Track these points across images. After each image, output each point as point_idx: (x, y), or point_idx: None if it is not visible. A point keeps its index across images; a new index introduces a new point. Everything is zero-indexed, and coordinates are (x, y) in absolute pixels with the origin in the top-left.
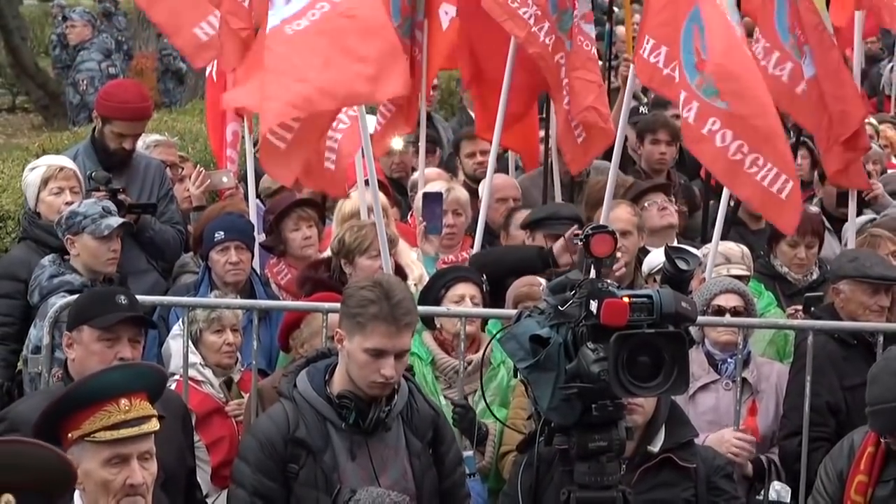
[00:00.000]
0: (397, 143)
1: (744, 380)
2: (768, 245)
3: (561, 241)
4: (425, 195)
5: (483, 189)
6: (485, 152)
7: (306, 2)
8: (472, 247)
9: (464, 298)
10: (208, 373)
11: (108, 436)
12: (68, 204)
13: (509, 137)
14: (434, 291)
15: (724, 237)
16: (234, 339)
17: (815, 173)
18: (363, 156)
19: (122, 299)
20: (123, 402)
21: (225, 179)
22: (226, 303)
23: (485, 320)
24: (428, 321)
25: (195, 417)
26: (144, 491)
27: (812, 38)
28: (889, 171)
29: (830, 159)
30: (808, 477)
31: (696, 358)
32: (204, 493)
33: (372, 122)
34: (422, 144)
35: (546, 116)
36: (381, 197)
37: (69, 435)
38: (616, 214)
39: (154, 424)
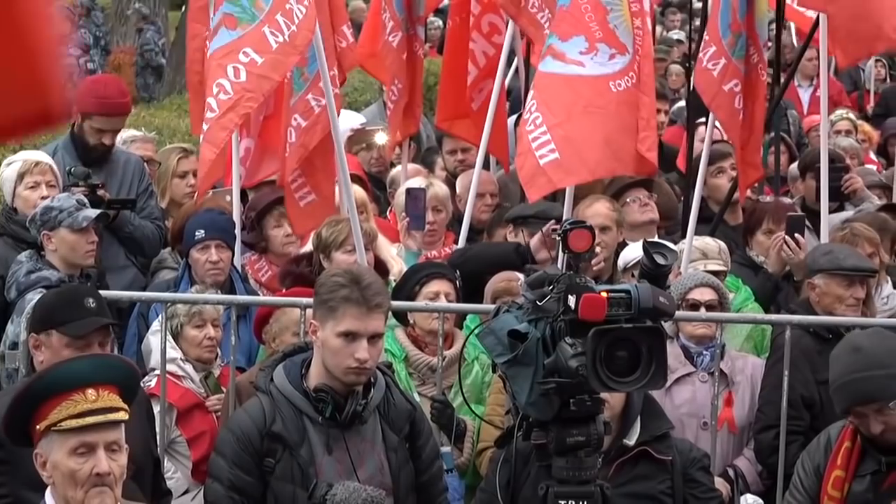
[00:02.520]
0: (381, 137)
1: (720, 372)
2: (743, 237)
3: (538, 237)
4: (408, 191)
5: (459, 184)
6: (466, 150)
7: None
8: (455, 242)
9: (438, 295)
10: (189, 368)
11: (74, 424)
12: (44, 198)
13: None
14: (408, 288)
15: (712, 235)
16: (214, 333)
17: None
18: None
19: (91, 302)
20: (90, 391)
21: (228, 198)
22: (203, 298)
23: (461, 316)
24: (401, 318)
25: (176, 412)
26: (112, 482)
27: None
28: (865, 166)
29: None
30: (783, 470)
31: (672, 351)
32: (185, 488)
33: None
34: (405, 140)
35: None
36: (359, 192)
37: (38, 427)
38: (595, 210)
39: (122, 416)
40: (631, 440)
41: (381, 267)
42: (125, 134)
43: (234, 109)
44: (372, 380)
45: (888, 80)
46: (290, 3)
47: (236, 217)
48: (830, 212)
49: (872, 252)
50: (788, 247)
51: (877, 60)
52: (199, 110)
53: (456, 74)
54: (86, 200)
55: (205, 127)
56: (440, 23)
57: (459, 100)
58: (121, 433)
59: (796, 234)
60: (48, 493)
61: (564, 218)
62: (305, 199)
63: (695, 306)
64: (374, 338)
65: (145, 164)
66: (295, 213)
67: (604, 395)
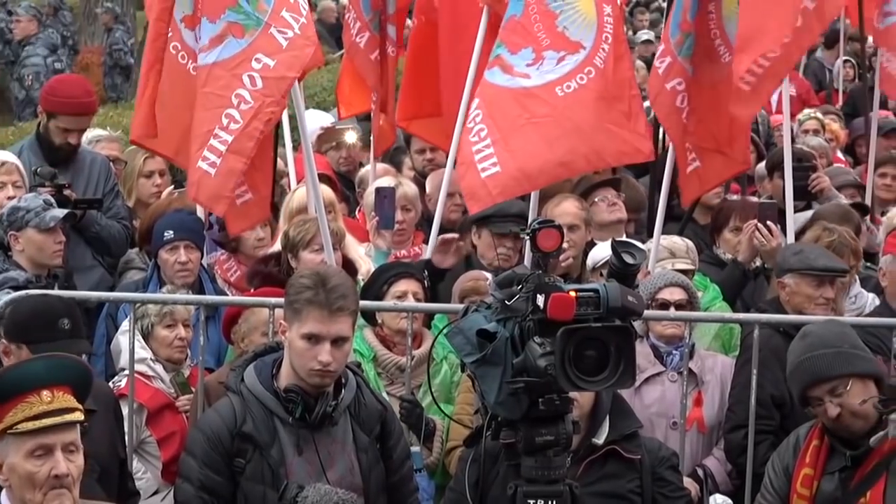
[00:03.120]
0: (351, 136)
1: (689, 371)
2: (710, 235)
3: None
4: (377, 190)
5: (430, 183)
6: (434, 149)
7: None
8: (424, 242)
9: (406, 294)
10: (159, 368)
11: (31, 426)
12: (11, 199)
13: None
14: (376, 287)
15: (680, 234)
16: (185, 334)
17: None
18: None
19: (66, 323)
20: (45, 393)
21: None
22: (172, 298)
23: (429, 316)
24: (370, 318)
25: (146, 412)
26: (70, 483)
27: (701, 44)
28: (835, 165)
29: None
30: (752, 470)
31: (642, 350)
32: (155, 488)
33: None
34: (374, 139)
35: None
36: (328, 191)
37: None
38: (564, 209)
39: (77, 416)
40: (600, 439)
41: (349, 266)
42: (91, 133)
43: (257, 117)
44: (343, 380)
45: (856, 79)
46: None
47: (202, 215)
48: (798, 210)
49: (853, 265)
50: (761, 234)
51: (846, 61)
52: (146, 114)
53: (420, 74)
54: (53, 200)
55: (226, 137)
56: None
57: (424, 99)
58: (77, 434)
59: (769, 222)
60: (4, 496)
61: (530, 216)
62: (242, 197)
63: (664, 306)
64: (338, 341)
65: (111, 163)
66: (230, 211)
67: (573, 394)
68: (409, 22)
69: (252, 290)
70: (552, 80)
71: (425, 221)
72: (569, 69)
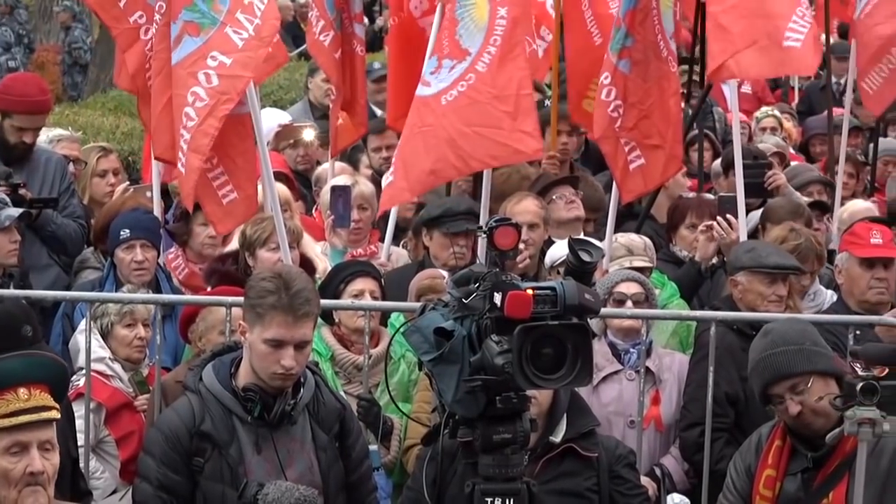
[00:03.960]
0: (308, 134)
1: (647, 370)
2: (667, 232)
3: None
4: (333, 188)
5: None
6: (391, 147)
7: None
8: (380, 240)
9: (363, 293)
10: (118, 367)
11: (7, 423)
12: None
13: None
14: (333, 286)
15: (638, 231)
16: (145, 333)
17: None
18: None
19: (28, 330)
20: (22, 391)
21: (148, 194)
22: (129, 297)
23: (386, 315)
24: (326, 316)
25: (105, 412)
26: (45, 481)
27: (639, 45)
28: (792, 164)
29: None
30: (709, 467)
31: (600, 349)
32: (113, 488)
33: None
34: (332, 137)
35: None
36: (284, 190)
37: None
38: (524, 206)
39: (54, 414)
40: (557, 437)
41: (307, 265)
42: (52, 133)
43: (212, 114)
44: (301, 379)
45: (811, 77)
46: None
47: (157, 212)
48: (755, 207)
49: (815, 270)
50: (721, 228)
51: None
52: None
53: (402, 73)
54: (8, 199)
55: (187, 136)
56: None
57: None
58: (53, 432)
59: (728, 215)
60: None
61: (482, 214)
62: (228, 196)
63: (621, 301)
64: (301, 345)
65: (71, 163)
66: (217, 211)
67: (531, 392)
68: (379, 21)
69: (209, 289)
70: (442, 88)
71: (382, 220)
72: (454, 77)
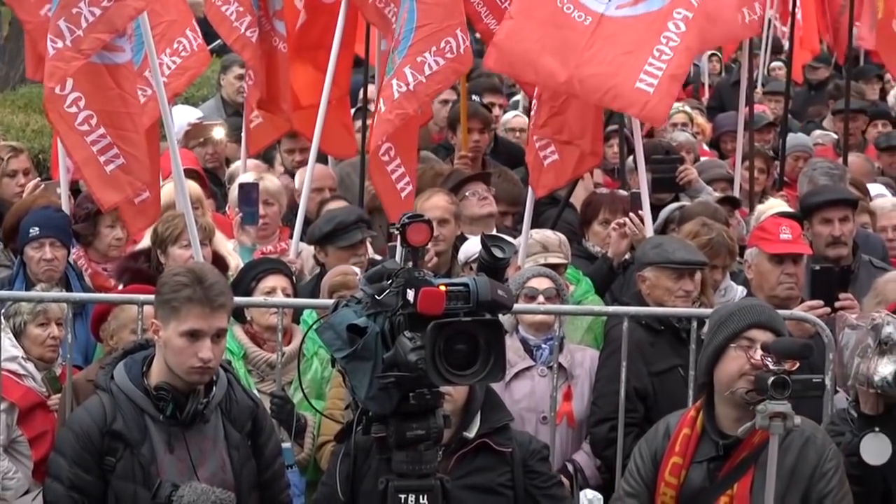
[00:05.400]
0: (218, 132)
1: (559, 365)
2: (580, 228)
3: None
4: (241, 185)
5: (297, 179)
6: (305, 150)
7: None
8: (290, 237)
9: (275, 290)
10: (30, 366)
11: None
12: None
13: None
14: (244, 284)
15: (553, 227)
16: (58, 332)
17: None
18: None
19: None
20: None
21: (58, 191)
22: (39, 296)
23: (298, 312)
24: (239, 315)
25: (18, 411)
26: None
27: None
28: (702, 159)
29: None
30: (622, 462)
31: (512, 345)
32: (26, 488)
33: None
34: (246, 135)
35: (364, 106)
36: (195, 187)
37: None
38: (434, 202)
39: None
40: (471, 433)
41: (219, 262)
42: None
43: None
44: (214, 377)
45: (722, 73)
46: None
47: (66, 208)
48: (666, 203)
49: (726, 265)
50: (633, 224)
51: (711, 55)
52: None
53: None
54: None
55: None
56: None
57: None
58: None
59: (640, 211)
60: None
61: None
62: (140, 196)
63: (532, 297)
64: (217, 336)
65: None
66: (129, 210)
67: (446, 388)
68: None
69: (121, 287)
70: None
71: (293, 216)
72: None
